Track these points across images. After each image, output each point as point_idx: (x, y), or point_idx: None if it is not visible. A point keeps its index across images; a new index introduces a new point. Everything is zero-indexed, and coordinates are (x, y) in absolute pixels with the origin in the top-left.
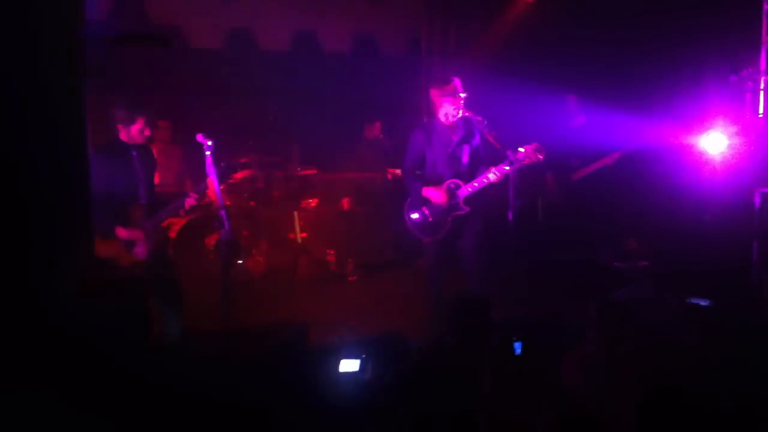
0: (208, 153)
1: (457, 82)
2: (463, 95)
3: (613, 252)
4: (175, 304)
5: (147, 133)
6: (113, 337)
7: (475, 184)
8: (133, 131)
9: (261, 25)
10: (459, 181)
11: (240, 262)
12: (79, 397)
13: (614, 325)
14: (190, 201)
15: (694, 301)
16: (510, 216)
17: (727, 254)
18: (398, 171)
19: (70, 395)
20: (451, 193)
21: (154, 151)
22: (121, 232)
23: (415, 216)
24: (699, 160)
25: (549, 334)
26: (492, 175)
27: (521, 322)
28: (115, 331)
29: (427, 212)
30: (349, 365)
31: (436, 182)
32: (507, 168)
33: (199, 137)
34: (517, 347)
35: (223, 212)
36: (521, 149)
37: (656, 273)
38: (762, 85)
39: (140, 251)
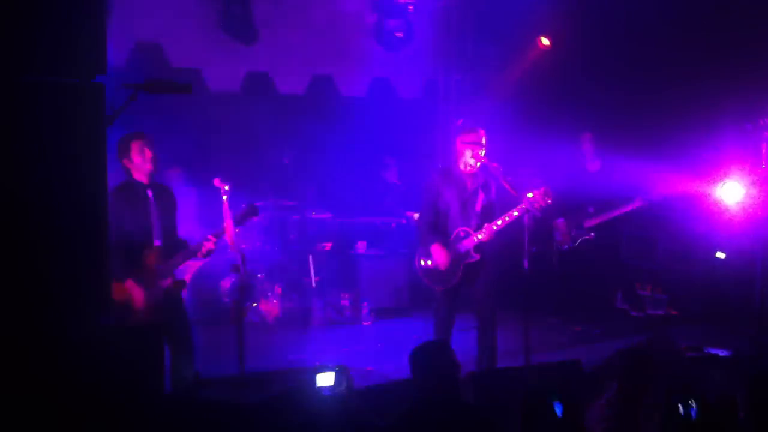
0: (225, 197)
1: (481, 132)
2: (484, 145)
3: (630, 299)
4: (188, 347)
5: (149, 153)
6: (127, 384)
7: (487, 231)
8: (135, 159)
9: (279, 69)
10: (468, 230)
11: (254, 305)
12: None
13: (637, 375)
14: (208, 245)
15: (713, 351)
16: (526, 263)
17: (744, 303)
18: (415, 214)
19: None
20: (459, 242)
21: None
22: (130, 285)
23: (426, 264)
24: (715, 208)
25: (571, 383)
26: (481, 236)
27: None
28: (130, 378)
29: (432, 262)
30: (324, 379)
31: (448, 229)
32: (525, 210)
33: (216, 181)
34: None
35: (239, 256)
36: (529, 195)
37: (674, 321)
38: None
39: (157, 292)
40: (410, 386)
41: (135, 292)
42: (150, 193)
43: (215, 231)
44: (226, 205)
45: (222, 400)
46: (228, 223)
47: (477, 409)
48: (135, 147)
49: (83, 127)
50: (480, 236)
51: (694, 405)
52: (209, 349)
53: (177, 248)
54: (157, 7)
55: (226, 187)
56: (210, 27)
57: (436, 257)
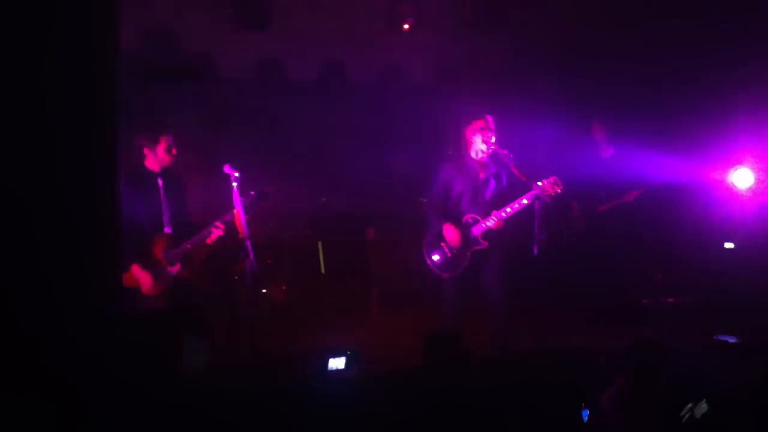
0: (234, 184)
1: (490, 119)
2: (494, 131)
3: (642, 287)
4: (202, 334)
5: (174, 151)
6: (140, 372)
7: (496, 218)
8: (160, 152)
9: (290, 55)
10: (477, 216)
11: (264, 291)
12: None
13: (648, 364)
14: (217, 232)
15: (723, 338)
16: (535, 250)
17: (757, 290)
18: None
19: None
20: (468, 228)
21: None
22: (136, 270)
23: (433, 251)
24: (727, 195)
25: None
26: (525, 201)
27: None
28: (143, 366)
29: (445, 248)
30: (336, 363)
31: (456, 217)
32: (534, 197)
33: (226, 168)
34: (584, 415)
35: (248, 243)
36: (539, 183)
37: (685, 308)
38: None
39: (167, 279)
40: (420, 374)
41: (142, 278)
42: (160, 181)
43: (223, 218)
44: (236, 192)
45: (233, 387)
46: (238, 210)
47: (487, 397)
48: (164, 141)
49: (96, 114)
50: (489, 223)
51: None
52: (221, 336)
53: (188, 235)
54: None
55: (236, 174)
56: (221, 13)
57: (448, 236)
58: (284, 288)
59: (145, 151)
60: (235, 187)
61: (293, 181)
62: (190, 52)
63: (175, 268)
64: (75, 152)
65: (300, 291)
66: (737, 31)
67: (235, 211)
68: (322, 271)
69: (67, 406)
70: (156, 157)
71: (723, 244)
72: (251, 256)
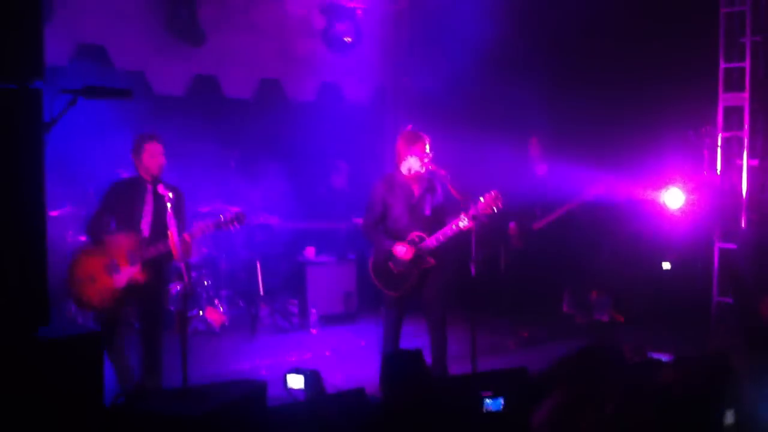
0: (169, 205)
1: (426, 139)
2: (429, 153)
3: (576, 304)
4: (148, 347)
5: (161, 160)
6: (63, 398)
7: (441, 237)
8: (144, 160)
9: (226, 72)
10: (423, 234)
11: (201, 312)
12: None
13: (581, 381)
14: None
15: (656, 355)
16: (472, 268)
17: (688, 307)
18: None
19: None
20: (415, 246)
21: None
22: (97, 260)
23: (381, 270)
24: (659, 214)
25: (517, 386)
26: (463, 223)
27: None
28: (66, 392)
29: (392, 266)
30: (294, 381)
31: (399, 235)
32: (473, 219)
33: (160, 188)
34: (496, 404)
35: (182, 265)
36: (481, 199)
37: (618, 325)
38: (719, 142)
39: (120, 278)
40: (364, 395)
41: (98, 270)
42: (149, 188)
43: (190, 230)
44: (170, 212)
45: (163, 412)
46: (172, 232)
47: (447, 415)
48: (147, 149)
49: (20, 134)
50: (433, 242)
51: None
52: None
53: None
54: (101, 7)
55: (170, 195)
56: (155, 29)
57: (400, 255)
58: (222, 309)
59: (134, 159)
60: (169, 208)
61: (229, 200)
62: (123, 68)
63: (133, 269)
64: None
65: (237, 312)
66: (668, 52)
67: (170, 231)
68: (260, 291)
69: None
70: (141, 165)
71: (660, 264)
72: (185, 278)
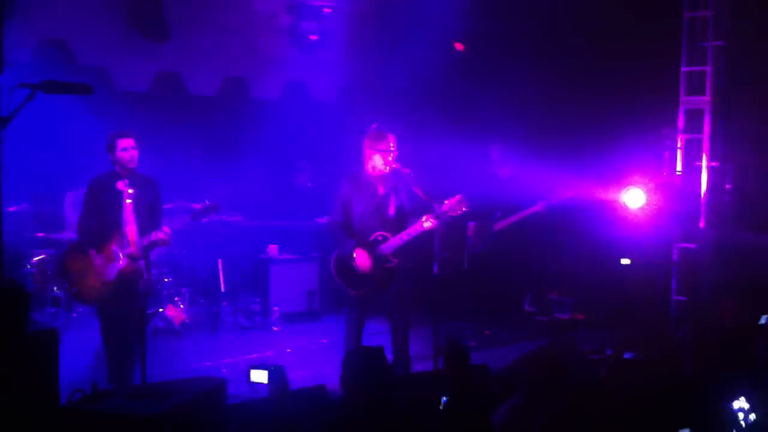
0: (128, 201)
1: (391, 138)
2: (394, 151)
3: (538, 303)
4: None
5: (134, 153)
6: (17, 397)
7: (404, 237)
8: (117, 155)
9: (191, 69)
10: (387, 234)
11: (161, 310)
12: None
13: (543, 380)
14: (159, 234)
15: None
16: (435, 268)
17: (648, 306)
18: (324, 220)
19: None
20: (377, 246)
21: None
22: (93, 255)
23: (343, 269)
24: (620, 214)
25: (479, 386)
26: (427, 224)
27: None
28: (20, 390)
29: (355, 266)
30: (258, 376)
31: (363, 234)
32: (436, 219)
33: (120, 184)
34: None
35: (141, 262)
36: (445, 201)
37: (579, 324)
38: (679, 144)
39: (110, 272)
40: (325, 392)
41: (97, 263)
42: (127, 183)
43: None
44: (129, 207)
45: (120, 412)
46: (131, 228)
47: (408, 414)
48: (119, 144)
49: None
50: (397, 242)
51: None
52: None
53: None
54: (63, 2)
55: (130, 191)
56: (119, 24)
57: (359, 261)
58: (182, 306)
59: (110, 155)
60: (129, 203)
61: (192, 197)
62: (85, 63)
63: (120, 263)
64: None
65: (198, 310)
66: (631, 54)
67: (127, 228)
68: (222, 289)
69: None
70: (116, 160)
71: (619, 259)
72: (145, 275)
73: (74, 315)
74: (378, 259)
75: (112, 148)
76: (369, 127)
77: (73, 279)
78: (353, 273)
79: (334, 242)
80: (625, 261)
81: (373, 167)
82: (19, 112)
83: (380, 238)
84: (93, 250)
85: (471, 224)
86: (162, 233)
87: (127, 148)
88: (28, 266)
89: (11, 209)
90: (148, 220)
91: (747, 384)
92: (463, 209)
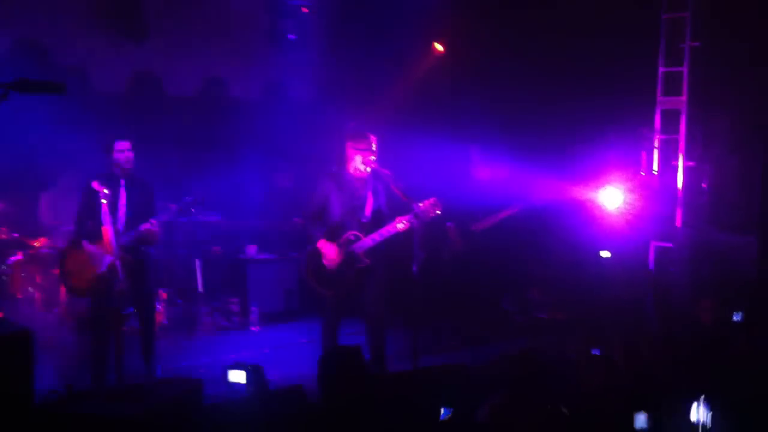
0: (104, 201)
1: (372, 138)
2: (375, 151)
3: (517, 303)
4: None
5: (130, 155)
6: None
7: (377, 237)
8: (114, 157)
9: (168, 69)
10: (359, 233)
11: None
12: None
13: (525, 380)
14: (147, 226)
15: (596, 352)
16: (414, 268)
17: (625, 304)
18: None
19: None
20: (349, 246)
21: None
22: (86, 246)
23: (313, 268)
24: (598, 214)
25: (460, 386)
26: (401, 225)
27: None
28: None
29: (326, 265)
30: (236, 376)
31: (336, 232)
32: (414, 220)
33: (95, 185)
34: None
35: (118, 262)
36: (420, 204)
37: (559, 323)
38: (656, 144)
39: (101, 265)
40: (302, 392)
41: (92, 254)
42: (122, 183)
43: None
44: (105, 208)
45: (96, 413)
46: (107, 228)
47: (389, 413)
48: (116, 146)
49: None
50: (368, 242)
51: None
52: (87, 359)
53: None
54: (39, 1)
55: (105, 191)
56: (97, 23)
57: (326, 253)
58: (160, 307)
59: (107, 156)
60: (104, 204)
61: (171, 197)
62: (62, 63)
63: (113, 257)
64: None
65: (176, 310)
66: (609, 54)
67: (103, 228)
68: (200, 289)
69: None
70: (112, 161)
71: (598, 257)
72: (120, 275)
73: (50, 316)
74: (349, 258)
75: (109, 149)
76: (349, 127)
77: (69, 277)
78: (322, 270)
79: (306, 237)
80: (604, 253)
81: (355, 168)
82: None
83: (352, 237)
84: (86, 245)
85: (450, 225)
86: (149, 224)
87: (123, 150)
88: (4, 266)
89: None
90: (140, 220)
91: (712, 384)
92: (437, 212)
